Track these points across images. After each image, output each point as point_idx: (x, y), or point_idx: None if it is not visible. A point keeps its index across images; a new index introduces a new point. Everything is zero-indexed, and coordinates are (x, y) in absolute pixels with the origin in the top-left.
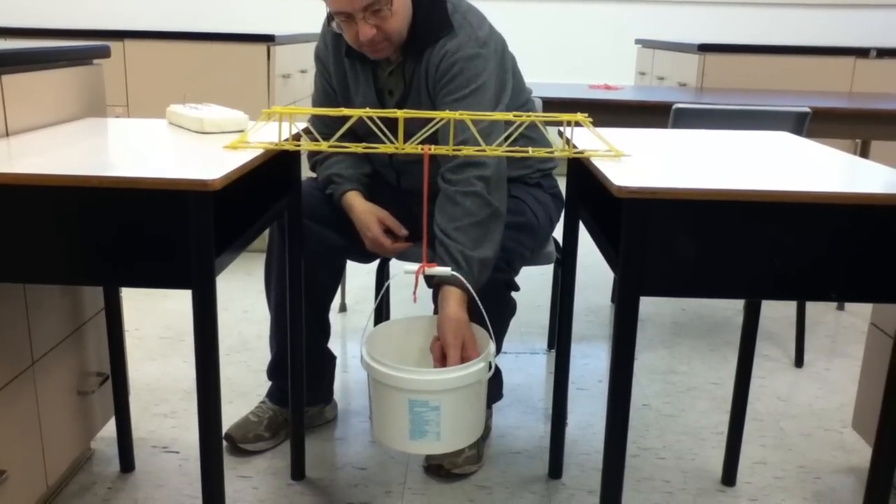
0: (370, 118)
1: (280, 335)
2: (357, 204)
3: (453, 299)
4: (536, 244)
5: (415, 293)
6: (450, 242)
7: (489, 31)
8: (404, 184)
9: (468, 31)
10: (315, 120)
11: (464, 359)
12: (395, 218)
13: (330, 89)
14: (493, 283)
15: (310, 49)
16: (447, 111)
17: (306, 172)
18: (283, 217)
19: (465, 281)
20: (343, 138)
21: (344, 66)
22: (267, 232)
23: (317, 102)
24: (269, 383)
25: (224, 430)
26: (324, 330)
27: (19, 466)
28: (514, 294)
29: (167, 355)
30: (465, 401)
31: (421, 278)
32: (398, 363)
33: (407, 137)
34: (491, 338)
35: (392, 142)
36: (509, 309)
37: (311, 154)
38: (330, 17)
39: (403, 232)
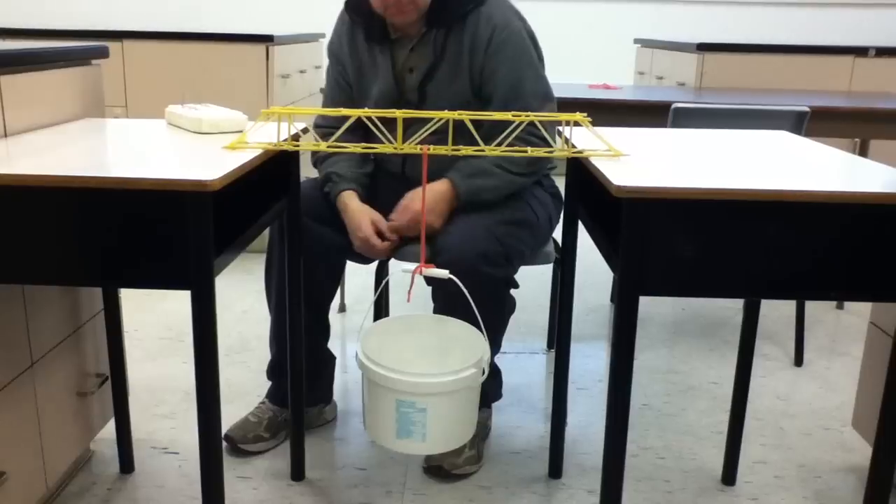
0: (370, 119)
1: (280, 335)
2: (351, 204)
3: (440, 186)
4: (536, 243)
5: (409, 292)
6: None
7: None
8: (409, 171)
9: (501, 4)
10: (322, 116)
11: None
12: (396, 207)
13: (344, 83)
14: (491, 279)
15: (308, 49)
16: (466, 105)
17: (306, 172)
18: (282, 217)
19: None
20: (351, 134)
21: (359, 55)
22: (267, 232)
23: (329, 97)
24: (269, 384)
25: (223, 430)
26: (323, 330)
27: (19, 468)
28: (513, 292)
29: (166, 356)
30: (453, 405)
31: (419, 278)
32: (394, 361)
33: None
34: (486, 340)
35: (391, 141)
36: (508, 306)
37: (314, 151)
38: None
39: (393, 237)
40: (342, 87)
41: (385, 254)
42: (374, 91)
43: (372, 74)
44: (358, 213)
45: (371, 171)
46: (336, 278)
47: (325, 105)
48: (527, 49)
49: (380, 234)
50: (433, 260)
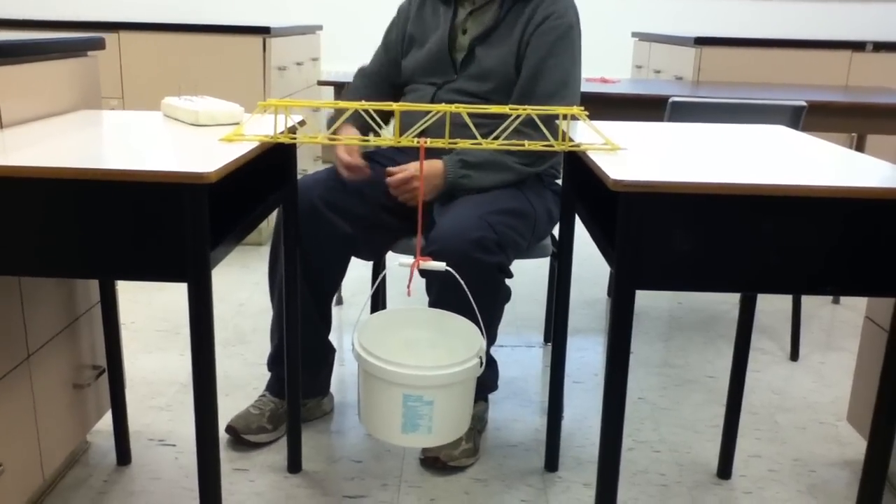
0: (367, 112)
1: (282, 327)
2: (344, 127)
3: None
4: (533, 234)
5: (408, 286)
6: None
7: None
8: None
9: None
10: (374, 56)
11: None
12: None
13: (401, 37)
14: (484, 265)
15: (305, 41)
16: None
17: (303, 165)
18: (282, 209)
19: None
20: (378, 94)
21: (425, 13)
22: (264, 225)
23: (381, 46)
24: (267, 376)
25: (221, 422)
26: (325, 320)
27: (15, 460)
28: (510, 284)
29: (163, 348)
30: (457, 396)
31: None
32: (390, 354)
33: (473, 77)
34: (482, 333)
35: (378, 128)
36: (502, 294)
37: (356, 80)
38: None
39: (359, 161)
40: (389, 48)
41: (346, 163)
42: (430, 40)
43: (432, 29)
44: (345, 129)
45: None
46: (341, 269)
47: (378, 48)
48: (568, 48)
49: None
50: (427, 250)
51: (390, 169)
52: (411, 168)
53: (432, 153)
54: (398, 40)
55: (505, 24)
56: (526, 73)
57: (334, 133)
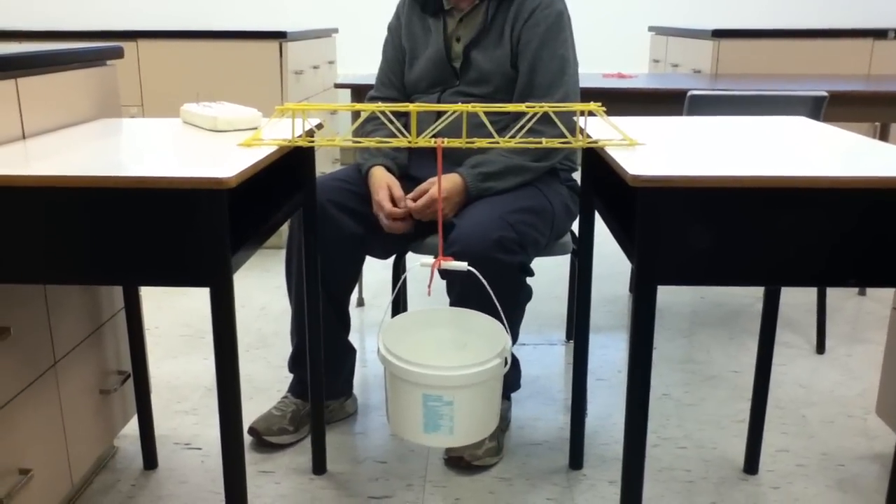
0: (383, 112)
1: (301, 328)
2: (376, 172)
3: (454, 177)
4: (551, 231)
5: (429, 286)
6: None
7: None
8: (414, 171)
9: None
10: (379, 85)
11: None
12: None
13: (399, 54)
14: (506, 266)
15: (322, 45)
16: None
17: (322, 168)
18: (299, 212)
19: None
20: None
21: (413, 28)
22: (284, 228)
23: (382, 71)
24: (290, 378)
25: (245, 425)
26: (343, 322)
27: (44, 466)
28: (530, 282)
29: (187, 353)
30: (479, 397)
31: (436, 272)
32: (414, 355)
33: (473, 82)
34: (507, 331)
35: (405, 135)
36: (524, 294)
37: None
38: None
39: (403, 205)
40: (390, 62)
41: (397, 227)
42: (424, 53)
43: (423, 43)
44: (378, 179)
45: (406, 154)
46: (355, 269)
47: (380, 72)
48: (558, 35)
49: (394, 201)
50: (447, 251)
51: (410, 199)
52: (433, 191)
53: (447, 153)
54: (398, 57)
55: (494, 24)
56: (523, 69)
57: (371, 185)
